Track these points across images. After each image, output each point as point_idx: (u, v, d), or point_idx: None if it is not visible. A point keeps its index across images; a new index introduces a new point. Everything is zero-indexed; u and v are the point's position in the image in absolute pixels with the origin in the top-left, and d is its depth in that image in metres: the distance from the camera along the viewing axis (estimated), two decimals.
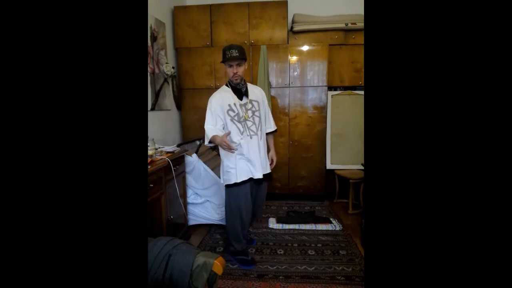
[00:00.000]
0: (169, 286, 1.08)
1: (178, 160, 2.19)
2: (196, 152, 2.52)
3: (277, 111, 3.17)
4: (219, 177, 2.14)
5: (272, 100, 3.15)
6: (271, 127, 2.09)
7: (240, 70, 1.84)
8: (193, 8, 3.18)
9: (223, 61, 1.84)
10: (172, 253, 1.12)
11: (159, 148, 2.13)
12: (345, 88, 3.28)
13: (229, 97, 1.88)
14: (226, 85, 1.94)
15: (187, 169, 2.40)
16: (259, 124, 1.93)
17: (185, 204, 2.37)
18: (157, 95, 2.77)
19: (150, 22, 2.65)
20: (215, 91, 1.98)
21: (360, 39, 3.13)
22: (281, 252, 2.17)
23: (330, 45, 3.09)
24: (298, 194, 3.28)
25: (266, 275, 1.88)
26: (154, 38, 2.72)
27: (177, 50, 3.25)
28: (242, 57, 1.81)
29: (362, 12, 2.88)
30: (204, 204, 2.52)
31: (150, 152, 1.89)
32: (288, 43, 3.15)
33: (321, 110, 3.16)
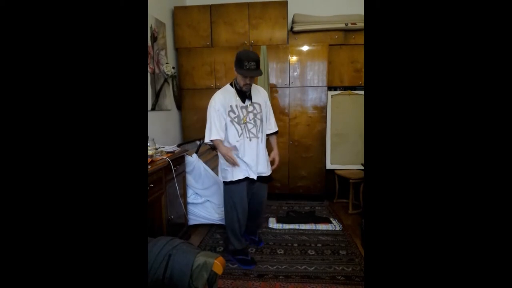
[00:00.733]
0: (169, 286, 1.08)
1: (178, 160, 2.19)
2: (196, 152, 2.52)
3: (277, 111, 3.17)
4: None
5: (272, 100, 3.15)
6: (272, 128, 2.09)
7: (252, 80, 1.86)
8: (193, 8, 3.18)
9: (237, 69, 1.80)
10: (172, 253, 1.12)
11: (159, 148, 2.13)
12: (345, 88, 3.28)
13: (232, 98, 1.88)
14: (230, 84, 1.94)
15: (187, 169, 2.40)
16: (260, 126, 1.95)
17: (185, 204, 2.38)
18: (157, 95, 2.77)
19: (150, 22, 2.65)
20: (215, 91, 1.98)
21: (360, 39, 3.13)
22: (281, 252, 2.17)
23: (330, 45, 3.10)
24: (298, 194, 3.28)
25: (266, 275, 1.88)
26: (154, 38, 2.72)
27: (177, 50, 3.25)
28: (258, 73, 1.80)
29: (362, 12, 2.88)
30: (204, 204, 2.52)
31: (150, 152, 1.89)
32: (288, 43, 3.15)
33: (321, 110, 3.16)
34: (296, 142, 3.22)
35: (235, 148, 1.91)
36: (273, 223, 2.65)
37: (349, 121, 3.26)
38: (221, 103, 1.86)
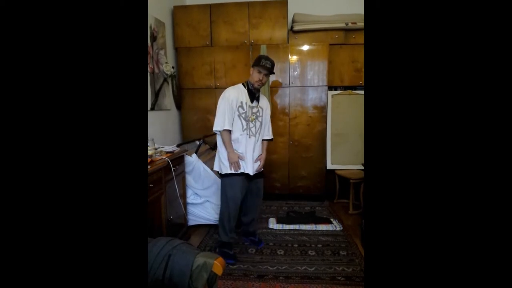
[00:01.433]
0: (169, 287, 1.08)
1: (178, 160, 2.19)
2: (196, 152, 2.51)
3: (277, 111, 3.17)
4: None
5: (272, 100, 3.15)
6: (269, 135, 2.21)
7: (265, 80, 2.00)
8: (193, 7, 3.18)
9: (255, 65, 1.98)
10: (172, 253, 1.12)
11: (159, 148, 2.13)
12: (345, 88, 3.28)
13: (243, 95, 2.01)
14: (243, 84, 2.06)
15: (187, 169, 2.40)
16: (259, 128, 2.08)
17: (185, 204, 2.37)
18: (156, 95, 2.76)
19: (150, 21, 2.65)
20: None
21: (360, 38, 3.13)
22: (281, 253, 2.17)
23: (330, 44, 3.09)
24: (298, 194, 3.28)
25: (266, 275, 1.88)
26: (154, 38, 2.72)
27: (176, 50, 3.25)
28: (272, 72, 2.00)
29: (362, 12, 2.88)
30: (203, 204, 2.52)
31: (150, 152, 1.89)
32: (288, 42, 3.15)
33: (321, 110, 3.16)
34: (296, 142, 3.21)
35: (237, 141, 2.00)
36: (273, 224, 2.65)
37: (350, 121, 3.26)
38: (235, 96, 1.98)
